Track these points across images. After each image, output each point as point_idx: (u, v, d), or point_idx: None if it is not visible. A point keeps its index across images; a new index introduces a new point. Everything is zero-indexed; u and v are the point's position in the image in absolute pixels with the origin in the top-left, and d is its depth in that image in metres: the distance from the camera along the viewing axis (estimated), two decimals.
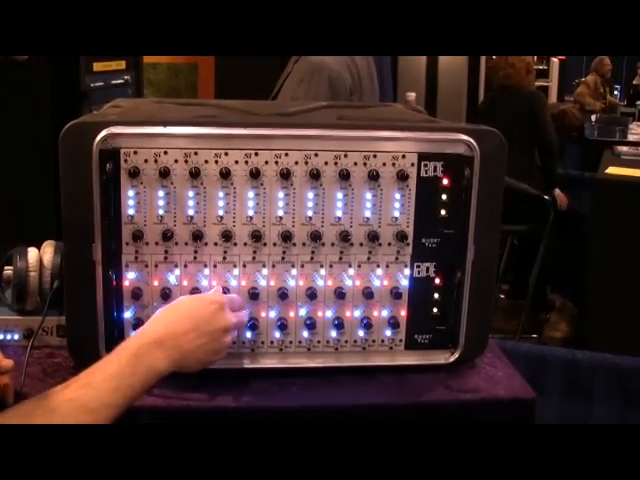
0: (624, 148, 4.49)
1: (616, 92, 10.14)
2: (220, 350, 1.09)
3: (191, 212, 1.13)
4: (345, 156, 1.14)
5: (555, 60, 8.87)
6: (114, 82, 3.42)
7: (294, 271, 1.16)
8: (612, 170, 3.79)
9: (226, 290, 1.15)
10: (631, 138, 5.15)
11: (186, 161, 1.11)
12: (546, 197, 3.73)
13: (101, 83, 3.28)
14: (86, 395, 0.94)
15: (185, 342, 1.04)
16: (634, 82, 10.48)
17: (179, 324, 1.05)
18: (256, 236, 1.14)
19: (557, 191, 3.90)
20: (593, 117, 6.39)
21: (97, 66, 3.27)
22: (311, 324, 1.18)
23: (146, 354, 1.00)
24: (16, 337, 1.27)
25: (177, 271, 1.15)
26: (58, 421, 0.91)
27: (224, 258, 1.15)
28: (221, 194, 1.13)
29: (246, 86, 2.48)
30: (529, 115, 3.86)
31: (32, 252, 1.28)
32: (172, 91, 5.28)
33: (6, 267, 1.29)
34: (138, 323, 1.14)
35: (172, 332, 1.03)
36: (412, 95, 3.38)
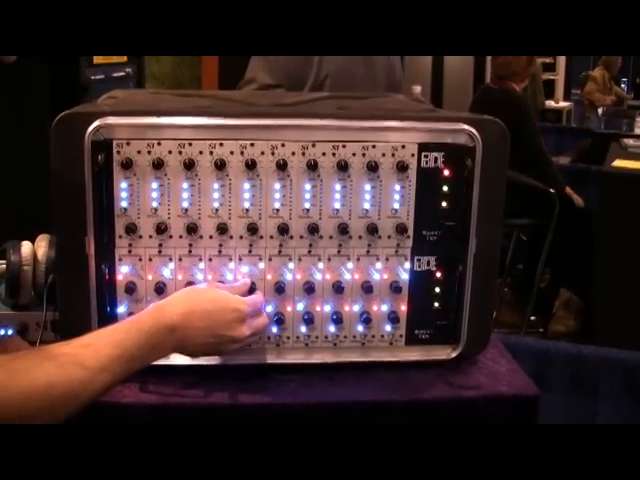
0: (631, 141, 4.45)
1: (623, 85, 10.08)
2: (219, 354, 1.10)
3: (185, 204, 1.10)
4: (343, 147, 1.11)
5: None
6: (115, 75, 3.40)
7: (291, 265, 1.14)
8: (619, 163, 3.76)
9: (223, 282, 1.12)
10: (638, 131, 5.10)
11: (180, 152, 1.08)
12: (552, 190, 3.68)
13: (102, 76, 3.26)
14: (85, 354, 0.93)
15: (193, 336, 1.02)
16: None
17: (196, 317, 1.03)
18: (252, 229, 1.11)
19: (569, 190, 3.84)
20: (600, 110, 6.35)
21: (98, 59, 3.25)
22: (309, 319, 1.15)
23: (156, 335, 0.99)
24: (10, 332, 1.25)
25: (171, 265, 1.12)
26: (51, 369, 0.89)
27: (219, 252, 1.12)
28: (216, 186, 1.10)
29: None
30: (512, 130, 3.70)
31: (26, 246, 1.26)
32: (176, 84, 5.27)
33: None
34: None
35: (187, 323, 1.02)
36: (418, 88, 3.36)
